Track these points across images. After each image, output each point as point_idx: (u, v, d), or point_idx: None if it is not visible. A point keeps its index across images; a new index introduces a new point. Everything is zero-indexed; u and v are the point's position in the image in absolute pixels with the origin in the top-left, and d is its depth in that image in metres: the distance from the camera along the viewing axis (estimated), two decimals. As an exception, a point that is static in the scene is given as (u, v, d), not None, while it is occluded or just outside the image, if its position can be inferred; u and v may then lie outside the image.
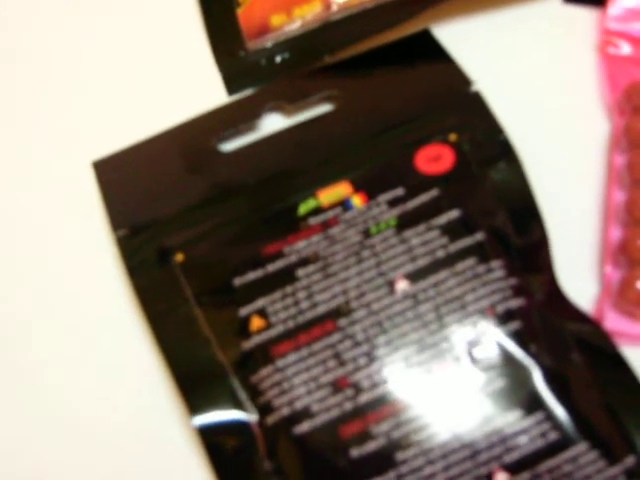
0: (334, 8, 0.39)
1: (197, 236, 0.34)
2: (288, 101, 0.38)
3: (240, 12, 0.39)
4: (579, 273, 0.35)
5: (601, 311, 0.34)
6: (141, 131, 0.38)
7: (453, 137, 0.35)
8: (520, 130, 0.36)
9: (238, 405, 0.32)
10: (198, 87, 0.39)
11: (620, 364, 0.31)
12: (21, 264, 0.37)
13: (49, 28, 0.41)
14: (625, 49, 0.38)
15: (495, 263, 0.33)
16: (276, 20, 0.39)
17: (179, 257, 0.34)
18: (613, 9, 0.38)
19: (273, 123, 0.38)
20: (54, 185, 0.38)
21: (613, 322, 0.34)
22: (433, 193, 0.34)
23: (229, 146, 0.37)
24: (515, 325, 0.31)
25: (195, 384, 0.32)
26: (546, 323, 0.32)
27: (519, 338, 0.31)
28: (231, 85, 0.39)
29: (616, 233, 0.35)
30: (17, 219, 0.38)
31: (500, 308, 0.32)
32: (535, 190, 0.34)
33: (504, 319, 0.32)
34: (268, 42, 0.39)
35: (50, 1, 0.42)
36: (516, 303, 0.32)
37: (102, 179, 0.37)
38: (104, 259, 0.37)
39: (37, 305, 0.36)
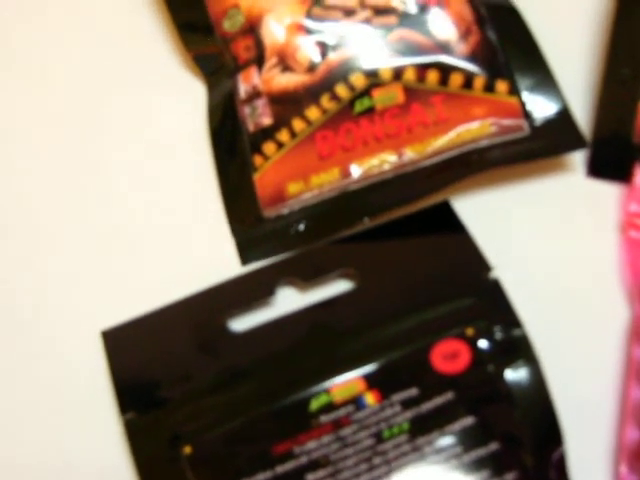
0: (353, 177, 0.38)
1: (206, 426, 0.34)
2: (303, 278, 0.37)
3: (257, 177, 0.38)
4: (592, 472, 0.34)
5: (616, 521, 0.33)
6: (152, 300, 0.37)
7: (470, 332, 0.34)
8: (534, 313, 0.35)
9: None
10: (211, 254, 0.38)
11: None
12: (22, 437, 0.36)
13: (62, 193, 0.40)
14: (648, 234, 0.37)
15: (509, 476, 0.32)
16: (293, 188, 0.38)
17: (187, 450, 0.33)
18: (636, 191, 0.38)
19: (287, 299, 0.37)
20: (61, 354, 0.37)
21: (628, 535, 0.33)
22: (448, 396, 0.33)
23: (241, 324, 0.36)
24: None
25: None
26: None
27: None
28: (245, 255, 0.38)
29: (633, 434, 0.34)
30: (18, 391, 0.37)
31: (513, 527, 0.31)
32: (549, 382, 0.33)
33: (517, 539, 0.31)
34: (284, 210, 0.38)
35: (63, 167, 0.41)
36: (529, 521, 0.31)
37: (110, 350, 0.36)
38: (107, 434, 0.36)
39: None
